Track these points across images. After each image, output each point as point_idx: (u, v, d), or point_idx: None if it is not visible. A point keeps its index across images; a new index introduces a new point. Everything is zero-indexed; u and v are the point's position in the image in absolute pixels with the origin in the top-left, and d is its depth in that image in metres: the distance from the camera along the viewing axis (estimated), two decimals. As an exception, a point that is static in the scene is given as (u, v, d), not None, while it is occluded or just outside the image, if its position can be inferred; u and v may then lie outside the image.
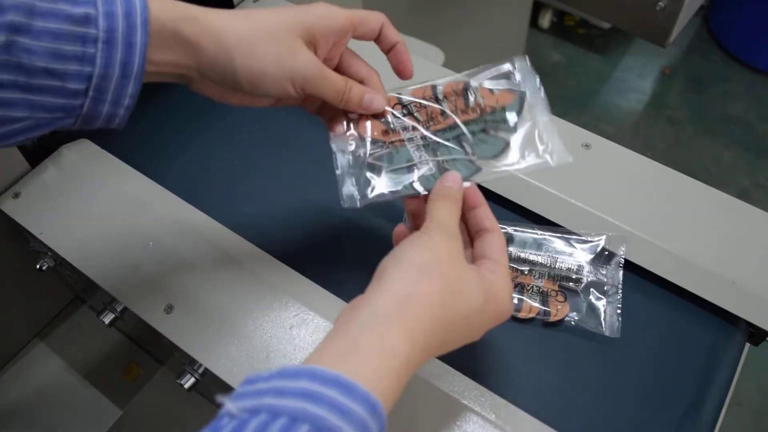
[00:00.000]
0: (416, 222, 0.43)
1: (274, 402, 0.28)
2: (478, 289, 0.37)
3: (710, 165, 1.73)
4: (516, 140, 0.45)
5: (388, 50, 0.45)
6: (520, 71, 0.48)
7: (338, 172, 0.44)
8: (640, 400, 0.48)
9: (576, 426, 0.47)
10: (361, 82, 0.44)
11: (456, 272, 0.36)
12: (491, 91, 0.47)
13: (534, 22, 2.02)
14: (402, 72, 0.46)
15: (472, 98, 0.46)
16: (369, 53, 0.46)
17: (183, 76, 0.40)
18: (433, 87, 0.47)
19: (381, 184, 0.43)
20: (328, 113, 0.46)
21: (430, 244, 0.37)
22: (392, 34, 0.44)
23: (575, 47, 2.03)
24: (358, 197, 0.43)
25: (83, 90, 0.34)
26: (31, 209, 0.60)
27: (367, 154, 0.44)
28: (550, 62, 1.99)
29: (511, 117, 0.46)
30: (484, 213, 0.41)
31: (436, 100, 0.46)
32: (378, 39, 0.44)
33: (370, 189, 0.43)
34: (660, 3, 0.86)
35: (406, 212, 0.44)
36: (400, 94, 0.46)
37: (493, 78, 0.47)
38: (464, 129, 0.45)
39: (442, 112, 0.46)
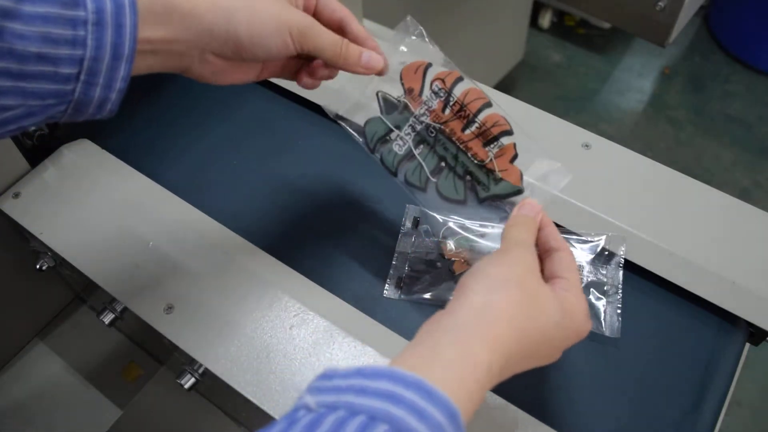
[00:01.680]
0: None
1: (354, 400, 0.28)
2: (555, 305, 0.37)
3: (710, 165, 1.73)
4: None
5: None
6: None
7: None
8: (640, 400, 0.48)
9: (576, 426, 0.47)
10: (339, 22, 0.44)
11: (533, 285, 0.36)
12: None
13: (534, 22, 2.02)
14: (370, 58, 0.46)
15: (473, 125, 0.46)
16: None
17: (181, 55, 0.39)
18: (458, 79, 0.47)
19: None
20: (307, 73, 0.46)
21: (507, 259, 0.37)
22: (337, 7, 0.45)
23: (575, 47, 2.02)
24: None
25: (75, 74, 0.34)
26: (31, 209, 0.60)
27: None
28: (550, 62, 1.99)
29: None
30: (551, 233, 0.42)
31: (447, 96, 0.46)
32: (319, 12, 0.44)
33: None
34: (660, 3, 0.86)
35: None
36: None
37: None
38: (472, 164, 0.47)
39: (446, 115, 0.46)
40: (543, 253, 0.41)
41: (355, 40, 0.44)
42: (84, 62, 0.34)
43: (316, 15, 0.44)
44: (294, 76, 0.47)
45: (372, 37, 0.45)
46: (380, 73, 0.45)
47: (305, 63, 0.46)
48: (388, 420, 0.27)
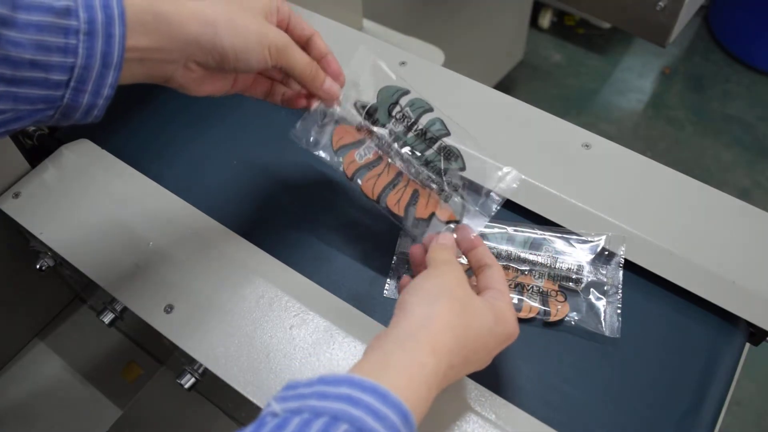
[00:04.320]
0: (419, 270, 0.47)
1: (317, 403, 0.31)
2: (488, 312, 0.41)
3: (710, 165, 1.73)
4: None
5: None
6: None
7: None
8: (640, 400, 0.48)
9: (576, 426, 0.47)
10: (307, 40, 0.48)
11: (466, 296, 0.40)
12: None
13: (534, 22, 2.02)
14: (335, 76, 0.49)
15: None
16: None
17: (165, 63, 0.40)
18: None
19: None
20: (276, 92, 0.51)
21: (438, 273, 0.42)
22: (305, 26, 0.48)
23: (575, 47, 2.03)
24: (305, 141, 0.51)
25: (65, 81, 0.35)
26: (31, 209, 0.60)
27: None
28: (550, 62, 1.99)
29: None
30: (483, 251, 0.46)
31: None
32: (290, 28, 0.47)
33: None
34: (660, 3, 0.86)
35: (411, 263, 0.49)
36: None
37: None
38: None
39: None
40: (476, 270, 0.46)
41: (318, 55, 0.48)
42: (75, 70, 0.35)
43: (287, 32, 0.47)
44: (262, 95, 0.50)
45: (332, 53, 0.49)
46: (329, 105, 0.49)
47: (274, 83, 0.50)
48: (348, 420, 0.30)
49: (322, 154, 0.51)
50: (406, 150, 0.50)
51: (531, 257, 0.54)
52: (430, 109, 0.50)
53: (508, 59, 1.74)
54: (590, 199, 0.56)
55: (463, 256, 0.48)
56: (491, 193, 0.49)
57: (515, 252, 0.54)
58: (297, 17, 0.47)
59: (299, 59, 0.45)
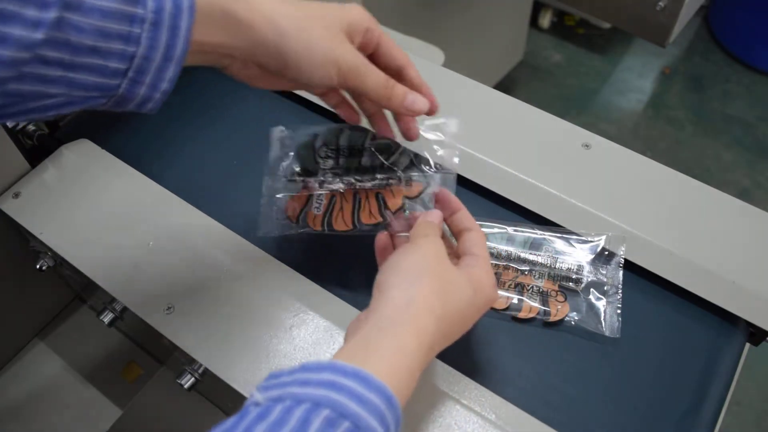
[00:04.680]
0: (381, 258, 0.47)
1: (298, 391, 0.30)
2: (467, 285, 0.40)
3: (710, 165, 1.73)
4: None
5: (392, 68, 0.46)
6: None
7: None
8: (640, 399, 0.48)
9: (576, 426, 0.47)
10: (398, 71, 0.45)
11: (446, 272, 0.40)
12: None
13: (534, 22, 2.02)
14: (407, 131, 0.48)
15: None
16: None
17: (226, 57, 0.39)
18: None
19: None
20: (347, 109, 0.48)
21: (416, 249, 0.41)
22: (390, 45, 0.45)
23: (575, 47, 2.02)
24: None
25: (123, 70, 0.34)
26: (31, 209, 0.60)
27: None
28: (550, 62, 1.99)
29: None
30: (464, 215, 0.46)
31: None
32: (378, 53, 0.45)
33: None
34: (660, 3, 0.86)
35: (376, 251, 0.48)
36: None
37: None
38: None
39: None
40: (457, 234, 0.45)
41: (410, 87, 0.45)
42: (134, 60, 0.34)
43: (374, 57, 0.44)
44: (327, 99, 0.48)
45: (427, 85, 0.46)
46: (429, 113, 0.46)
47: (343, 98, 0.48)
48: (330, 405, 0.29)
49: (292, 232, 0.52)
50: (347, 177, 0.50)
51: (531, 257, 0.54)
52: (341, 129, 0.51)
53: (508, 59, 1.74)
54: (590, 199, 0.56)
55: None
56: (439, 150, 0.49)
57: (515, 252, 0.54)
58: (389, 42, 0.44)
59: (372, 80, 0.42)
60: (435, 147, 0.50)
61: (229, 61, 0.40)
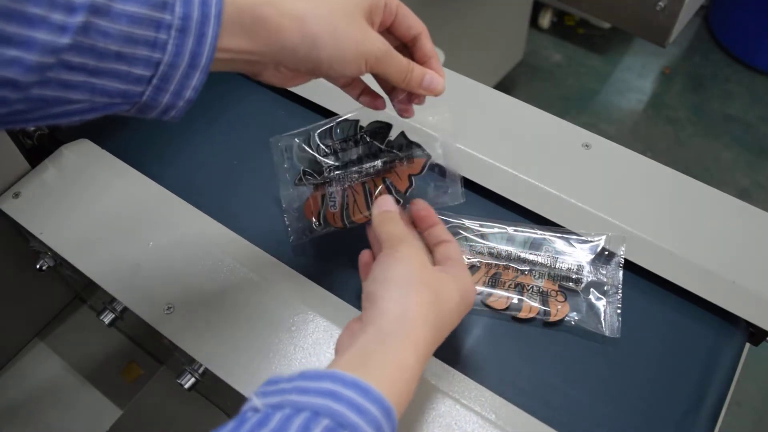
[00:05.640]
0: (367, 272, 0.47)
1: (298, 399, 0.30)
2: (455, 290, 0.41)
3: (710, 165, 1.73)
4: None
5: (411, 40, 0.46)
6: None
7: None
8: (640, 400, 0.48)
9: (576, 426, 0.47)
10: (413, 39, 0.45)
11: (434, 280, 0.40)
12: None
13: (534, 22, 2.02)
14: (404, 111, 0.48)
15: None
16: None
17: (254, 63, 0.39)
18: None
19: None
20: (371, 97, 0.48)
21: (401, 257, 0.41)
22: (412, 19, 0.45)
23: (575, 47, 2.02)
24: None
25: (148, 77, 0.34)
26: (31, 209, 0.60)
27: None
28: (550, 62, 1.99)
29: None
30: (440, 229, 0.46)
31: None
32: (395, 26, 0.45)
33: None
34: (660, 3, 0.86)
35: (369, 240, 0.48)
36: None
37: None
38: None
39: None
40: (433, 246, 0.46)
41: (422, 57, 0.45)
42: (160, 66, 0.33)
43: (392, 27, 0.44)
44: (350, 91, 0.48)
45: (437, 57, 0.46)
46: (436, 94, 0.46)
47: (366, 86, 0.48)
48: (329, 415, 0.29)
49: (319, 233, 0.53)
50: (352, 169, 0.51)
51: (531, 257, 0.54)
52: (329, 124, 0.52)
53: (508, 59, 1.74)
54: (590, 199, 0.56)
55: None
56: (430, 117, 0.50)
57: (515, 252, 0.54)
58: (405, 11, 0.44)
59: (395, 65, 0.42)
60: (429, 117, 0.51)
61: (260, 68, 0.40)
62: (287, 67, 0.40)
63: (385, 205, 0.46)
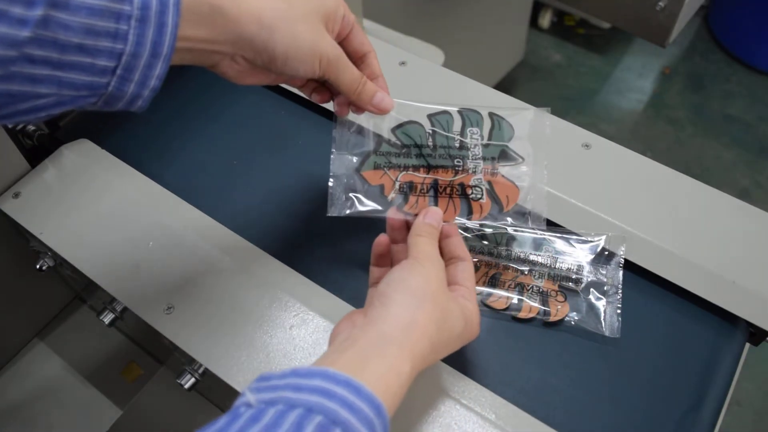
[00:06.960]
0: (394, 235, 0.48)
1: (291, 395, 0.31)
2: (460, 318, 0.42)
3: (710, 165, 1.73)
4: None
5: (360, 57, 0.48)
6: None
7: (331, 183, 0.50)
8: (640, 399, 0.48)
9: (576, 426, 0.47)
10: (363, 56, 0.47)
11: (445, 302, 0.41)
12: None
13: (534, 22, 2.02)
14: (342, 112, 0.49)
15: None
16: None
17: (213, 53, 0.40)
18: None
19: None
20: (322, 94, 0.48)
21: (424, 272, 0.41)
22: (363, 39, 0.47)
23: (575, 47, 2.03)
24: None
25: (112, 68, 0.34)
26: (31, 209, 0.60)
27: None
28: (550, 62, 1.99)
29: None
30: (458, 242, 0.46)
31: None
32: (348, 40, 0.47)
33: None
34: (660, 3, 0.86)
35: (387, 226, 0.48)
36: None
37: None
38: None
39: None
40: (447, 260, 0.46)
41: (370, 75, 0.47)
42: (122, 57, 0.34)
43: (345, 42, 0.46)
44: (308, 94, 0.49)
45: (383, 77, 0.48)
46: (384, 112, 0.48)
47: (319, 84, 0.48)
48: (323, 412, 0.30)
49: (363, 211, 0.50)
50: (426, 164, 0.50)
51: (531, 257, 0.54)
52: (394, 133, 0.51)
53: (508, 59, 1.74)
54: (590, 199, 0.56)
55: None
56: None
57: (515, 252, 0.54)
58: (359, 30, 0.46)
59: (347, 75, 0.44)
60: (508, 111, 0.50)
61: (218, 59, 0.40)
62: (244, 58, 0.41)
63: (432, 218, 0.46)
